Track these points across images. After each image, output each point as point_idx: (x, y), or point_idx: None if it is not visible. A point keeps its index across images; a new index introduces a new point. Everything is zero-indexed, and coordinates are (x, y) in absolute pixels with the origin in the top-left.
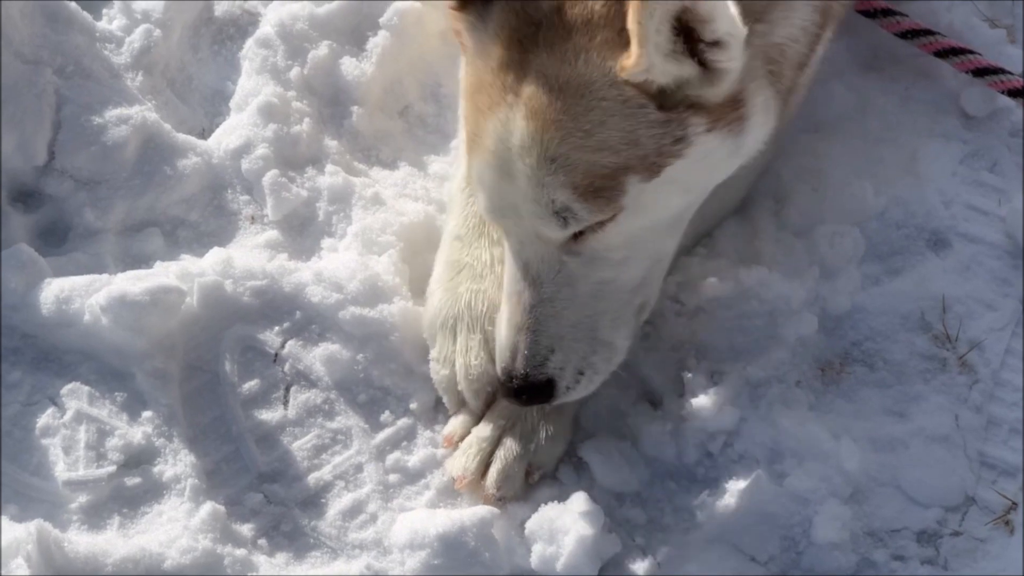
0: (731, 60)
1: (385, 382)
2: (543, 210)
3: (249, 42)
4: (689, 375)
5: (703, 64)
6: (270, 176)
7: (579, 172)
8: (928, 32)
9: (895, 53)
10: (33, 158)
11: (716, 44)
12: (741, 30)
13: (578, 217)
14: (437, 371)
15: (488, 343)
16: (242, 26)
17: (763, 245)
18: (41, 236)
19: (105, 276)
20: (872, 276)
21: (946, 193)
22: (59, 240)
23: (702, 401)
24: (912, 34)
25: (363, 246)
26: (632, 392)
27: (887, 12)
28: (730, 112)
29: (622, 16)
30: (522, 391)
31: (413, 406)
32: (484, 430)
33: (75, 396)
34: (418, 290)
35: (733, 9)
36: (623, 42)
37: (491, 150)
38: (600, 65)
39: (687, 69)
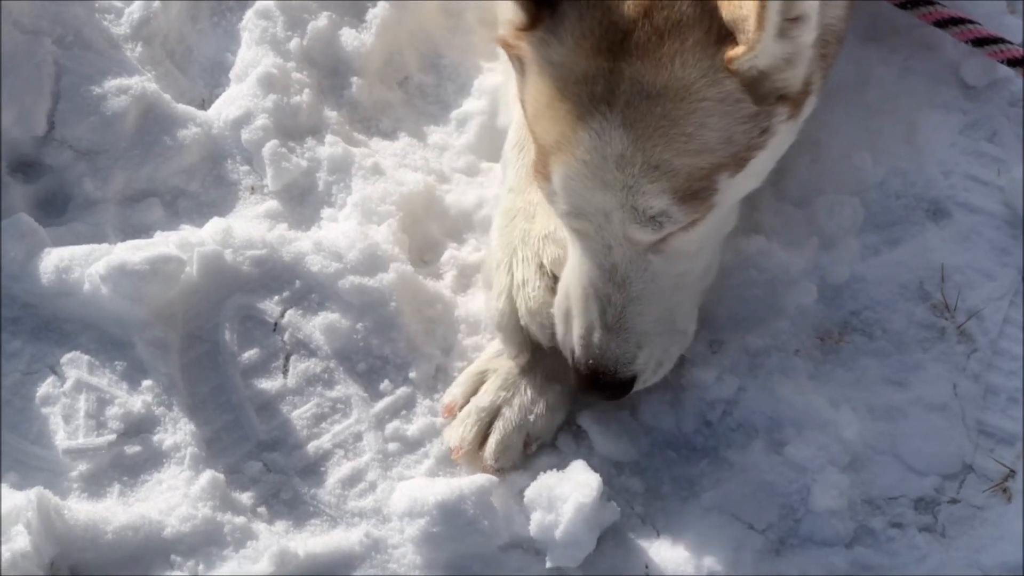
0: (809, 33)
1: (384, 351)
2: (640, 216)
3: (248, 13)
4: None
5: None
6: (270, 147)
7: (680, 177)
8: (928, 2)
9: (895, 24)
10: (33, 128)
11: (797, 19)
12: (816, 2)
13: (674, 220)
14: (494, 307)
15: (544, 274)
16: None
17: (762, 216)
18: (41, 206)
19: (105, 246)
20: (871, 246)
21: (945, 163)
22: (59, 210)
23: (701, 370)
24: (912, 4)
25: (363, 216)
26: None
27: None
28: (804, 98)
29: (709, 14)
30: (607, 387)
31: (412, 375)
32: (483, 400)
33: (75, 365)
34: (418, 259)
35: None
36: (712, 39)
37: (583, 160)
38: (697, 65)
39: (786, 49)
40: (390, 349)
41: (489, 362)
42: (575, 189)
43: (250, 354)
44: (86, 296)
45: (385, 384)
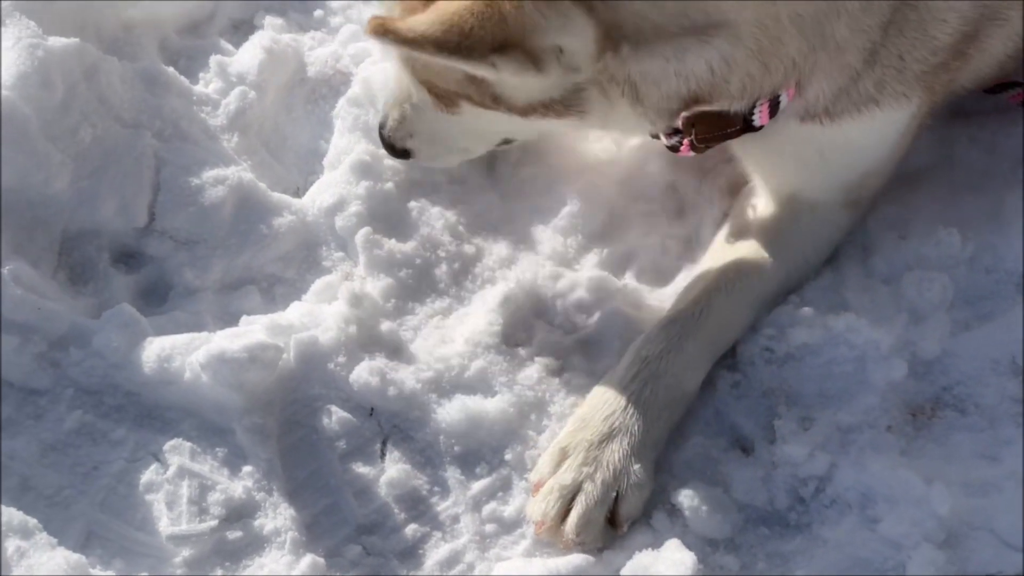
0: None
1: (480, 433)
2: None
3: (341, 101)
4: (780, 421)
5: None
6: (363, 233)
7: (429, 84)
8: (1016, 84)
9: (980, 102)
10: (134, 220)
11: None
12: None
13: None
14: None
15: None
16: (334, 86)
17: (851, 293)
18: (142, 296)
19: (204, 334)
20: (962, 321)
21: None
22: (160, 299)
23: (793, 447)
24: (1000, 88)
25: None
26: (723, 439)
27: None
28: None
29: None
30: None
31: (508, 457)
32: (565, 477)
33: (177, 452)
34: (510, 341)
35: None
36: None
37: None
38: None
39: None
40: (485, 431)
41: (571, 437)
42: None
43: (347, 438)
44: (187, 384)
45: (481, 466)
